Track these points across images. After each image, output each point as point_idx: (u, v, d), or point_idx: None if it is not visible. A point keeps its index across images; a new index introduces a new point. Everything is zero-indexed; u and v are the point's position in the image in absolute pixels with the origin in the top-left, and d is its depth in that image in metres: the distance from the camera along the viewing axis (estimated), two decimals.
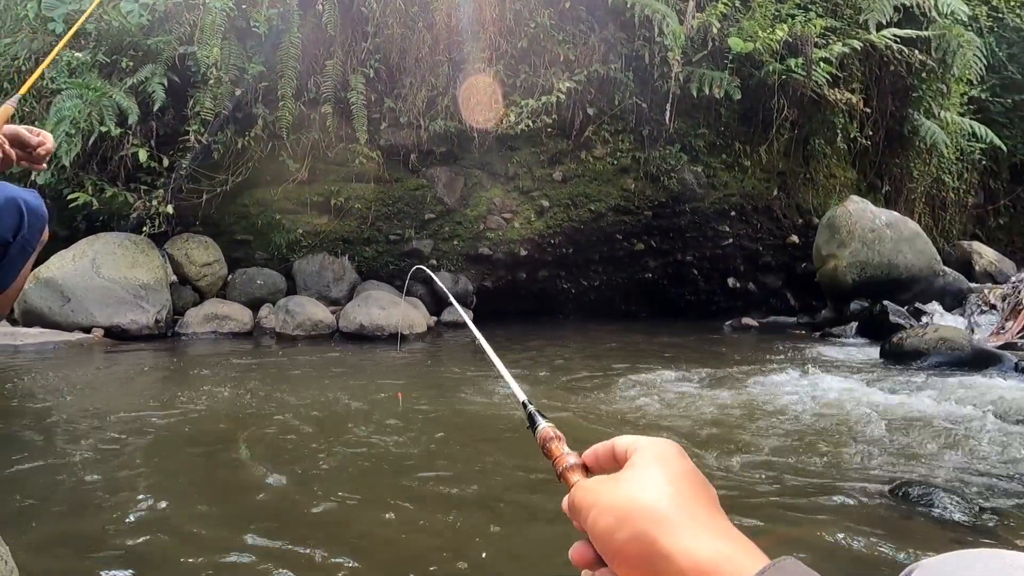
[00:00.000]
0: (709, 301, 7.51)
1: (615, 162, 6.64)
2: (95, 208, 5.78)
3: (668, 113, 6.29)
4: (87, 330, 5.18)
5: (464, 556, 1.46)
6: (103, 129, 5.43)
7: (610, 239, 7.01)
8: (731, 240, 7.19)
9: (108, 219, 6.02)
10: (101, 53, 5.65)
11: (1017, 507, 1.70)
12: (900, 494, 1.73)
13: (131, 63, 5.69)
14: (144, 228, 5.87)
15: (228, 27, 5.74)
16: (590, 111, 6.40)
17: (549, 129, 6.39)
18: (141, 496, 1.78)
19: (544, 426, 0.52)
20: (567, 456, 0.49)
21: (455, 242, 6.85)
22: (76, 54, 5.60)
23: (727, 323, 6.84)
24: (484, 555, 1.47)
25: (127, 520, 1.63)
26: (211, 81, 5.66)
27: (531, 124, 6.14)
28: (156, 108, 5.57)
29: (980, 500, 1.72)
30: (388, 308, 5.88)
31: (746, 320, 6.91)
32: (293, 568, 1.38)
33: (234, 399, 3.12)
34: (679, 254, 7.27)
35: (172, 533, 1.57)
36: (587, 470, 0.47)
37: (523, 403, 0.55)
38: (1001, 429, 2.45)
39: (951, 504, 1.63)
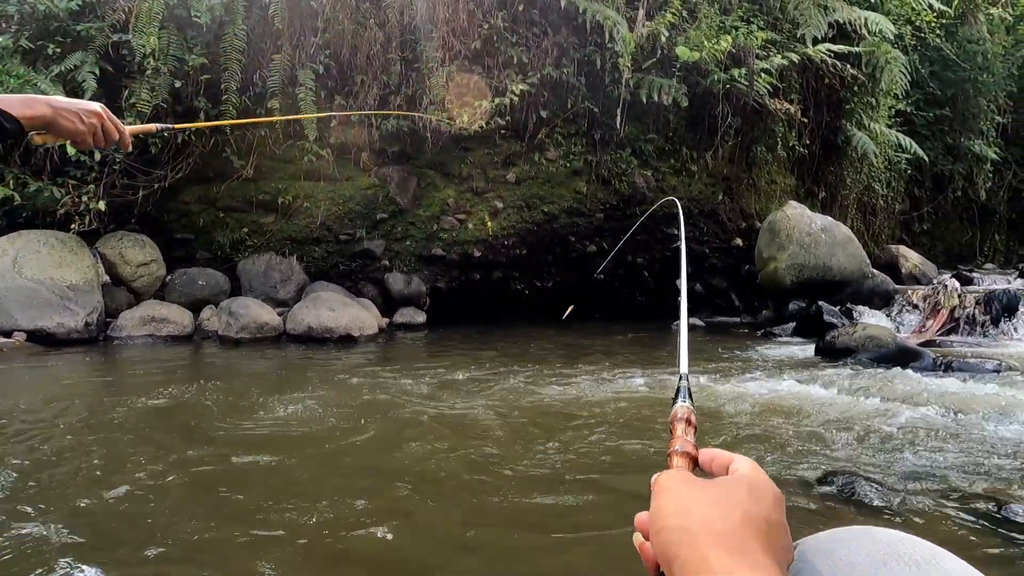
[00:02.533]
0: (659, 302, 7.72)
1: (568, 165, 6.73)
2: (17, 203, 5.40)
3: (619, 118, 6.43)
4: (7, 335, 4.83)
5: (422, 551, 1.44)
6: None
7: (563, 241, 7.09)
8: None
9: (32, 215, 5.64)
10: (24, 38, 5.29)
11: (927, 491, 1.83)
12: (826, 482, 1.83)
13: (58, 50, 5.35)
14: (73, 225, 5.52)
15: (167, 15, 5.48)
16: (543, 114, 6.46)
17: (503, 131, 6.41)
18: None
19: (682, 405, 0.52)
20: (684, 441, 0.49)
21: (408, 242, 6.78)
22: None
23: (675, 323, 7.04)
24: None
25: None
26: (148, 72, 5.39)
27: (484, 125, 6.15)
28: (87, 99, 5.25)
29: (897, 486, 1.84)
30: (338, 309, 5.75)
31: (693, 320, 7.13)
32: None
33: (157, 408, 2.98)
34: (630, 256, 7.44)
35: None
36: (696, 464, 0.49)
37: (681, 375, 0.56)
38: (918, 419, 2.62)
39: (871, 491, 1.73)
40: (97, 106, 1.10)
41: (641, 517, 0.46)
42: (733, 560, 0.37)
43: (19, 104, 1.00)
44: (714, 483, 0.44)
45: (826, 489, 1.83)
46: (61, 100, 1.07)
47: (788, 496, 1.79)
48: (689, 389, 0.55)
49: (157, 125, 1.40)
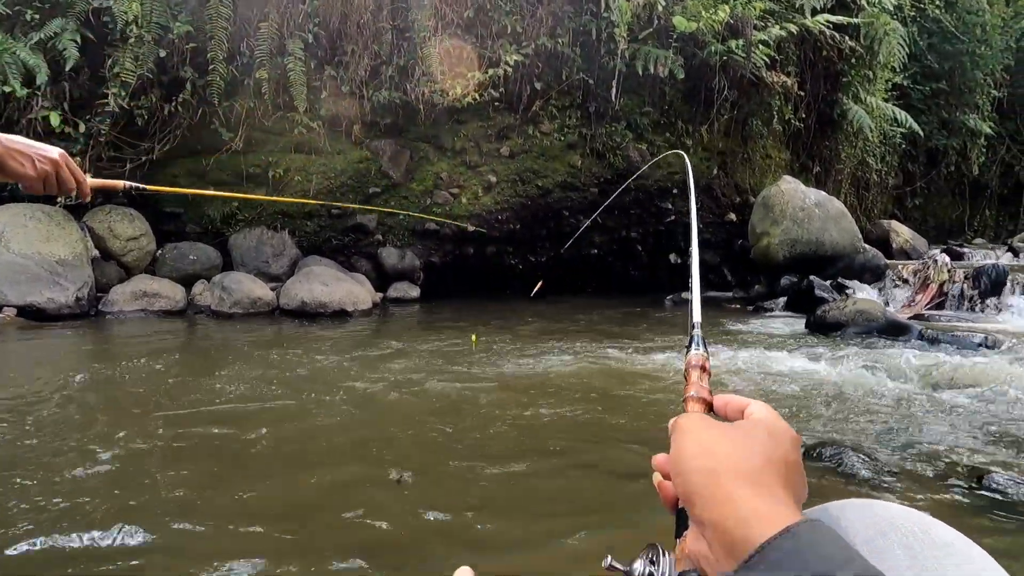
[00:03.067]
0: (652, 276, 7.74)
1: (562, 138, 6.66)
2: None
3: (614, 90, 6.34)
4: None
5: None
6: (7, 89, 4.94)
7: (557, 215, 7.06)
8: (673, 217, 7.40)
9: (16, 188, 5.53)
10: (0, 3, 5.11)
11: (913, 463, 1.88)
12: (815, 455, 1.88)
13: (37, 16, 5.18)
14: (59, 199, 5.43)
15: None
16: (538, 85, 6.36)
17: (496, 103, 6.31)
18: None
19: (696, 353, 0.53)
20: (699, 387, 0.50)
21: (401, 217, 6.72)
22: None
23: (668, 297, 7.08)
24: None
25: None
26: (131, 40, 5.23)
27: (478, 97, 6.05)
28: (68, 68, 5.11)
29: (884, 458, 1.89)
30: (331, 284, 5.74)
31: (685, 294, 7.17)
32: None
33: (151, 381, 2.98)
34: (624, 230, 7.43)
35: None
36: (710, 409, 0.49)
37: (693, 324, 0.57)
38: (905, 392, 2.68)
39: (858, 462, 1.78)
40: (56, 152, 1.05)
41: (659, 458, 0.47)
42: (757, 495, 0.38)
43: None
44: (733, 425, 0.44)
45: (816, 461, 1.88)
46: (16, 141, 1.03)
47: None
48: (703, 338, 0.55)
49: (126, 183, 1.18)
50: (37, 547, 1.38)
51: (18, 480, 1.75)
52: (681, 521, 0.44)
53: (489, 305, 6.41)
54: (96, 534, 1.45)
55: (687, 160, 1.12)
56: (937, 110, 10.88)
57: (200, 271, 5.93)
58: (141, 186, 1.21)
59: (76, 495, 1.66)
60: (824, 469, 1.82)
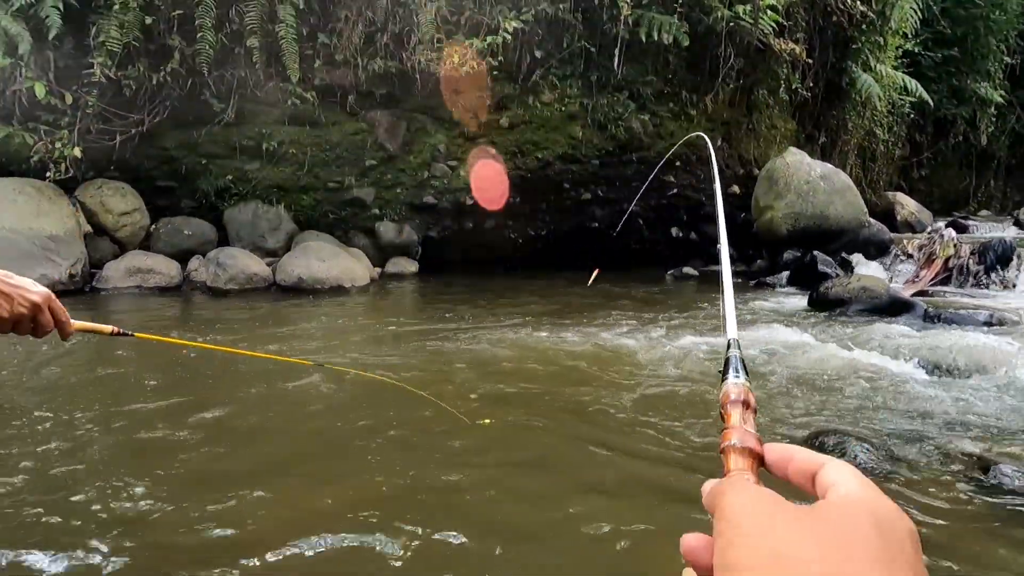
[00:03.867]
0: (653, 250, 7.66)
1: (563, 108, 6.49)
2: None
3: (617, 58, 6.14)
4: None
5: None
6: None
7: (557, 188, 6.94)
8: (675, 190, 7.27)
9: (4, 163, 5.41)
10: None
11: (916, 450, 1.85)
12: (816, 444, 1.85)
13: None
14: (48, 173, 5.31)
15: None
16: (538, 54, 6.16)
17: (495, 72, 6.12)
18: None
19: (735, 382, 0.40)
20: (743, 432, 0.36)
21: (398, 190, 6.61)
22: None
23: (669, 272, 7.02)
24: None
25: None
26: (116, 6, 5.04)
27: (476, 66, 5.86)
28: (51, 36, 4.93)
29: (887, 445, 1.86)
30: (328, 260, 5.67)
31: (687, 269, 7.11)
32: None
33: (138, 359, 2.95)
34: (625, 203, 7.31)
35: None
36: (761, 463, 0.35)
37: (729, 342, 0.43)
38: (908, 374, 2.64)
39: (861, 451, 1.74)
40: (39, 295, 0.99)
41: (691, 544, 0.33)
42: None
43: None
44: (815, 514, 0.29)
45: (817, 450, 1.84)
46: (6, 281, 0.96)
47: None
48: (743, 360, 0.41)
49: (113, 328, 1.11)
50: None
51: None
52: None
53: (485, 279, 6.35)
54: (116, 486, 1.42)
55: (710, 145, 0.94)
56: (948, 78, 10.60)
57: (195, 246, 5.86)
58: (129, 332, 1.14)
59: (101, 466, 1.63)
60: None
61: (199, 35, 5.35)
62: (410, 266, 6.62)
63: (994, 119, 11.37)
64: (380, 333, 3.59)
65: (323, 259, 5.64)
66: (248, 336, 3.63)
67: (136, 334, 1.19)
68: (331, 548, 1.34)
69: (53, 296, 1.03)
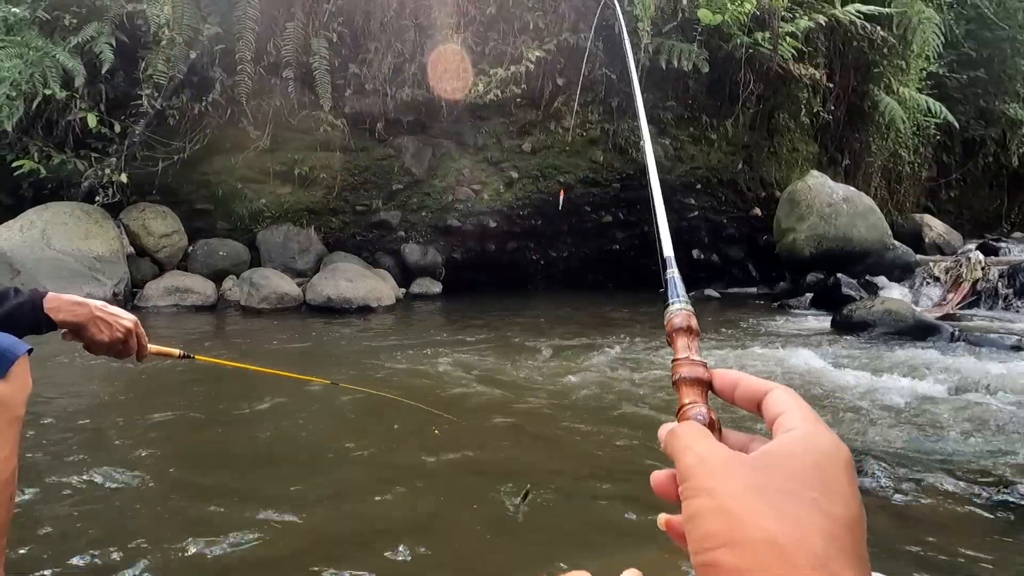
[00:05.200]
0: None
1: (584, 134, 6.64)
2: (43, 176, 5.51)
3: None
4: None
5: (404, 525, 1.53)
6: (47, 92, 5.13)
7: (579, 211, 7.05)
8: (697, 212, 7.32)
9: (57, 187, 5.75)
10: (41, 9, 5.30)
11: (936, 471, 1.87)
12: None
13: (74, 20, 5.36)
14: (97, 197, 5.63)
15: None
16: (560, 81, 6.35)
17: (518, 99, 6.32)
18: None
19: (677, 308, 0.40)
20: (690, 364, 0.37)
21: (423, 213, 6.80)
22: (13, 8, 5.23)
23: (690, 294, 7.01)
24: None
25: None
26: (163, 42, 5.38)
27: (500, 94, 6.06)
28: (104, 70, 5.28)
29: (906, 465, 1.88)
30: (356, 280, 5.84)
31: (708, 291, 7.11)
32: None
33: (182, 374, 3.10)
34: (646, 226, 7.37)
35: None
36: (709, 390, 0.37)
37: (664, 261, 0.43)
38: (930, 396, 2.64)
39: (879, 470, 1.77)
40: (131, 321, 1.15)
41: (661, 480, 0.34)
42: None
43: (67, 305, 1.10)
44: (764, 464, 0.30)
45: None
46: (105, 309, 1.12)
47: None
48: (679, 282, 0.41)
49: (181, 351, 1.31)
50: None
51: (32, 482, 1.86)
52: None
53: (508, 300, 6.45)
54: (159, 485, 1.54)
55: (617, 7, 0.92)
56: (975, 99, 10.49)
57: (230, 267, 6.10)
58: (193, 356, 1.36)
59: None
60: None
61: (239, 68, 5.66)
62: (434, 287, 6.77)
63: None
64: (403, 352, 3.71)
65: (351, 280, 5.82)
66: (277, 352, 3.78)
67: (196, 356, 1.35)
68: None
69: (139, 322, 1.18)
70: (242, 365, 1.55)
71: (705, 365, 0.38)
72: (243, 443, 2.20)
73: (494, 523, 1.56)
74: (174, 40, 5.40)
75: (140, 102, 5.51)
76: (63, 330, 1.12)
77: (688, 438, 0.33)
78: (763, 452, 0.32)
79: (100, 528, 1.52)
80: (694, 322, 0.40)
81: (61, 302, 1.10)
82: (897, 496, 1.69)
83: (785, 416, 0.33)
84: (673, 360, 0.39)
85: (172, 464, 1.98)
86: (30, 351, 0.96)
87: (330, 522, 1.58)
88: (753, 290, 7.46)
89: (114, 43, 5.30)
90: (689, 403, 0.36)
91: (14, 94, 5.06)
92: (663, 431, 0.36)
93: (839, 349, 3.69)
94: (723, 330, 4.52)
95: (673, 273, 0.43)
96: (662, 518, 0.35)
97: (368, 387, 2.24)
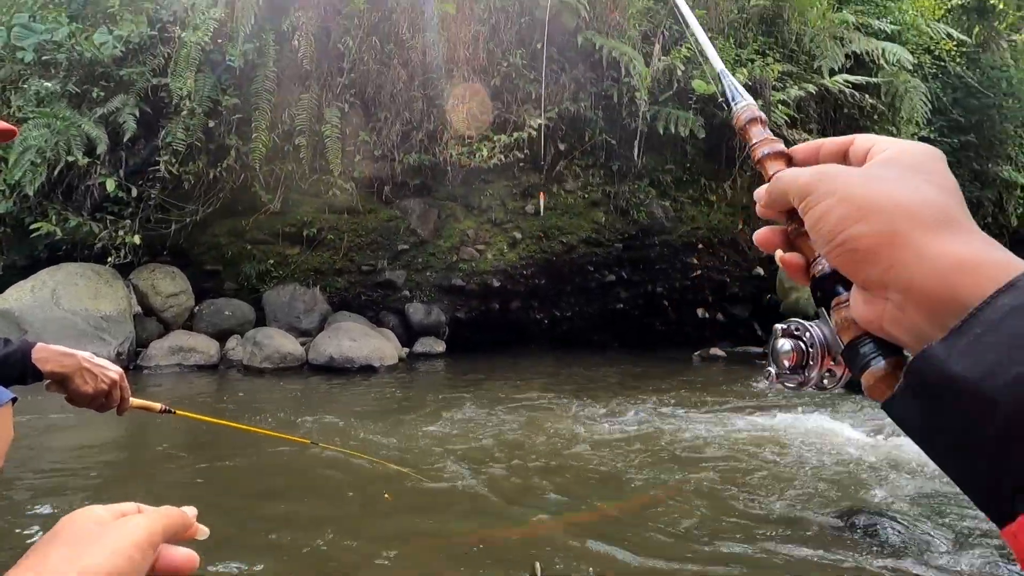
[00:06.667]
0: (679, 331, 7.65)
1: (586, 196, 6.81)
2: (58, 238, 5.66)
3: (636, 149, 6.51)
4: None
5: None
6: (70, 159, 5.37)
7: (582, 270, 7.12)
8: (700, 272, 7.37)
9: (71, 248, 5.90)
10: (72, 83, 5.62)
11: (949, 530, 1.78)
12: (848, 524, 1.80)
13: (102, 93, 5.67)
14: (109, 258, 5.75)
15: (203, 60, 5.78)
16: (561, 146, 6.58)
17: (522, 163, 6.53)
18: None
19: (743, 104, 0.43)
20: (770, 141, 0.40)
21: (428, 273, 6.88)
22: (45, 84, 5.56)
23: (696, 353, 6.96)
24: None
25: None
26: (184, 112, 5.66)
27: (504, 158, 6.28)
28: (127, 138, 5.54)
29: (919, 525, 1.79)
30: (359, 339, 5.84)
31: (714, 350, 7.04)
32: None
33: (171, 435, 3.05)
34: (649, 285, 7.42)
35: None
36: (790, 163, 0.40)
37: (719, 72, 0.46)
38: None
39: (892, 531, 1.69)
40: (116, 373, 1.15)
41: (764, 234, 0.38)
42: (954, 240, 0.29)
43: (55, 356, 1.11)
44: (875, 165, 0.34)
45: (850, 530, 1.79)
46: (91, 360, 1.13)
47: (810, 535, 1.75)
48: (737, 83, 0.45)
49: (161, 406, 1.27)
50: None
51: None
52: (826, 288, 0.35)
53: (513, 360, 6.40)
54: None
55: None
56: (968, 162, 10.75)
57: (234, 326, 6.13)
58: (172, 410, 1.31)
59: None
60: (859, 537, 1.73)
61: (254, 135, 5.92)
62: (437, 346, 6.74)
63: (1021, 200, 11.34)
64: (397, 416, 3.65)
65: (354, 339, 5.82)
66: (267, 411, 3.72)
67: (176, 411, 1.32)
68: None
69: (123, 374, 1.17)
70: (220, 421, 1.53)
71: (783, 141, 0.41)
72: (215, 499, 2.13)
73: None
74: (194, 110, 5.69)
75: (158, 167, 5.73)
76: (47, 381, 1.12)
77: (795, 170, 0.37)
78: (869, 164, 0.35)
79: None
80: (760, 113, 0.43)
81: (50, 352, 1.10)
82: (913, 559, 1.60)
83: (875, 146, 0.36)
84: (751, 146, 0.41)
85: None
86: (14, 400, 0.96)
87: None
88: (759, 349, 7.38)
89: (137, 113, 5.58)
90: (774, 173, 0.39)
91: (38, 161, 5.29)
92: (761, 190, 0.39)
93: (847, 408, 3.60)
94: (731, 390, 4.45)
95: (728, 79, 0.45)
96: (779, 253, 0.38)
97: (348, 449, 2.20)
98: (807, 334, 0.37)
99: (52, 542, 0.37)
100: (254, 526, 1.93)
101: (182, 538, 0.42)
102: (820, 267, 0.36)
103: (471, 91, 6.23)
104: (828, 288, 0.35)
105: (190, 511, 0.44)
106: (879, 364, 0.32)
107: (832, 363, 0.36)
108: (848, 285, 0.34)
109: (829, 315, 0.36)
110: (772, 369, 0.38)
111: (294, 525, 1.95)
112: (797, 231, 0.37)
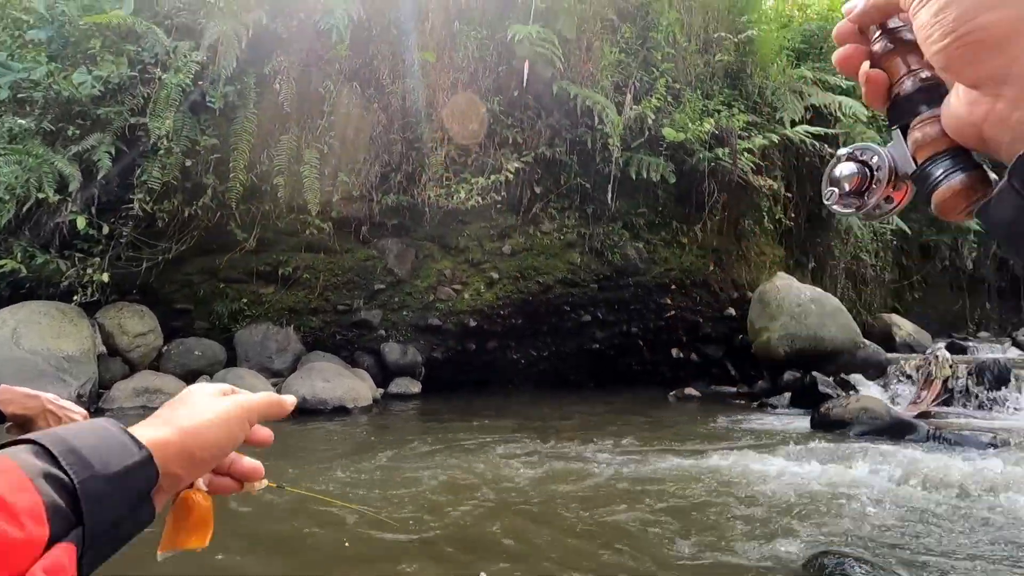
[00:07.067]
0: (655, 371, 7.71)
1: (562, 237, 6.94)
2: (23, 275, 5.52)
3: (610, 193, 6.70)
4: None
5: None
6: (40, 195, 5.29)
7: (558, 311, 7.19)
8: (673, 312, 7.50)
9: (36, 286, 5.74)
10: (47, 121, 5.60)
11: (919, 572, 1.80)
12: (816, 565, 1.81)
13: (78, 131, 5.65)
14: (75, 297, 5.61)
15: (182, 100, 5.83)
16: (537, 189, 6.74)
17: (499, 205, 6.66)
18: None
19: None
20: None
21: (405, 312, 6.86)
22: (19, 120, 5.53)
23: (671, 393, 7.01)
24: None
25: None
26: (161, 151, 5.66)
27: (481, 200, 6.40)
28: (100, 176, 5.50)
29: (887, 567, 1.82)
30: (333, 380, 5.75)
31: (689, 390, 7.10)
32: None
33: None
34: (625, 325, 7.51)
35: None
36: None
37: None
38: (909, 496, 2.60)
39: (860, 572, 1.71)
40: (80, 415, 1.13)
41: (845, 52, 0.37)
42: None
43: (19, 397, 1.11)
44: None
45: (816, 572, 1.81)
46: (56, 402, 1.12)
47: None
48: None
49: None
50: None
51: None
52: (908, 108, 0.34)
53: (490, 400, 6.35)
54: None
55: None
56: (925, 208, 11.19)
57: (204, 367, 5.98)
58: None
59: None
60: None
61: (232, 175, 5.93)
62: (413, 386, 6.67)
63: (975, 245, 11.89)
64: (367, 460, 3.58)
65: (327, 380, 5.72)
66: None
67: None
68: None
69: (88, 416, 1.15)
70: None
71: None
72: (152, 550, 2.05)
73: None
74: (171, 150, 5.70)
75: (131, 205, 5.68)
76: (8, 424, 1.10)
77: None
78: None
79: None
80: None
81: (14, 394, 1.09)
82: None
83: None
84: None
85: None
86: None
87: None
88: (733, 389, 7.47)
89: (113, 152, 5.56)
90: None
91: (7, 198, 5.20)
92: (851, 3, 0.37)
93: (817, 449, 3.66)
94: (703, 431, 4.48)
95: None
96: (863, 69, 0.36)
97: (313, 492, 2.15)
98: (875, 157, 0.36)
99: (176, 405, 0.52)
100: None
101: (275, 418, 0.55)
102: (905, 85, 0.35)
103: (467, 101, 6.40)
104: (910, 108, 0.34)
105: (289, 400, 0.57)
106: (958, 177, 0.32)
107: (892, 190, 0.36)
108: (932, 104, 0.33)
109: (904, 138, 0.35)
110: (834, 190, 0.37)
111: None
112: (885, 48, 0.36)
